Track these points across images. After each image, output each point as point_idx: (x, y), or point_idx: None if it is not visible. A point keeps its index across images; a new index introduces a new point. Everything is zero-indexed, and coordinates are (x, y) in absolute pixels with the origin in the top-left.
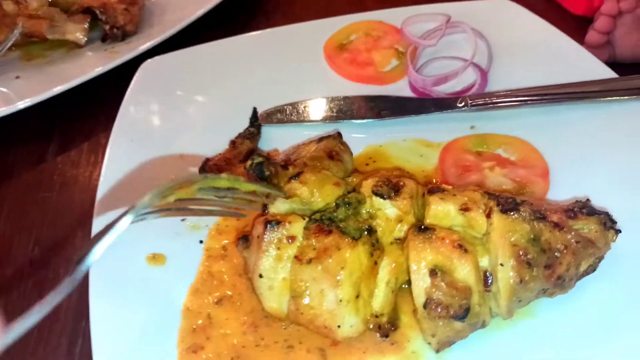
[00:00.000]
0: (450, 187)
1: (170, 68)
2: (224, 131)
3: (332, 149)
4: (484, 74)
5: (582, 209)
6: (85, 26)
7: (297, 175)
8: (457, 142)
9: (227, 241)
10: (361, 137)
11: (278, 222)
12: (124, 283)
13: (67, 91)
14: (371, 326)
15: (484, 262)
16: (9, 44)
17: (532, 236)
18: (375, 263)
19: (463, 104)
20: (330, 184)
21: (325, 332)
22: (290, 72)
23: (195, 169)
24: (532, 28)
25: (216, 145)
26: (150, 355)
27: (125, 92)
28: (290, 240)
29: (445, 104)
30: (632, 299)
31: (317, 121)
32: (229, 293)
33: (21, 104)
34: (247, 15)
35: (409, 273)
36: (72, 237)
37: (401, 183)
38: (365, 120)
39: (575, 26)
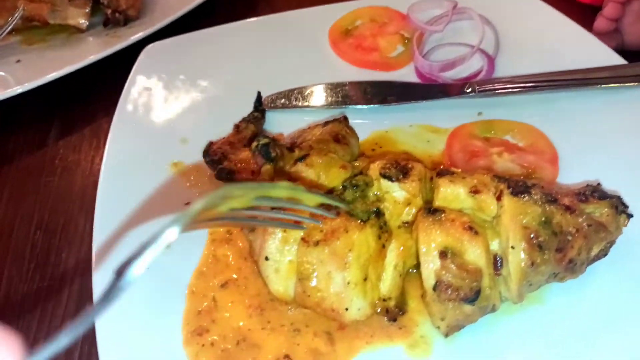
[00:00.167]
0: (459, 170)
1: (173, 52)
2: (227, 115)
3: (339, 133)
4: (491, 60)
5: (594, 192)
6: (87, 11)
7: (303, 158)
8: (464, 128)
9: None
10: (367, 122)
11: None
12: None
13: (69, 76)
14: (379, 310)
15: (494, 245)
16: (9, 28)
17: (543, 219)
18: (383, 246)
19: (470, 89)
20: (336, 167)
21: (332, 315)
22: (295, 57)
23: (199, 153)
24: (539, 15)
25: (220, 129)
26: (155, 338)
27: (127, 77)
28: None
29: (452, 89)
30: None
31: (322, 106)
32: (234, 276)
33: (22, 88)
34: (250, 1)
35: (417, 257)
36: (74, 222)
37: (410, 165)
38: (370, 106)
39: (583, 13)
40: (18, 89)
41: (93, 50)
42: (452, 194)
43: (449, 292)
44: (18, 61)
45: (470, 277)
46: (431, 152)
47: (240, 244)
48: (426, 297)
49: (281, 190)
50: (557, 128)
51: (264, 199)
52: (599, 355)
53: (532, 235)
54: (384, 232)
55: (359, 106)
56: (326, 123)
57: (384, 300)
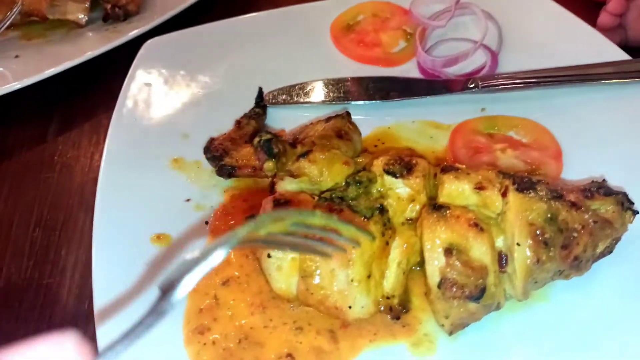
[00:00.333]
0: (463, 166)
1: (173, 48)
2: (228, 111)
3: (341, 129)
4: (494, 55)
5: (599, 188)
6: (86, 5)
7: (305, 154)
8: (467, 124)
9: (233, 222)
10: (369, 118)
11: (287, 201)
12: (129, 263)
13: (68, 71)
14: (382, 308)
15: (499, 242)
16: (8, 23)
17: (549, 215)
18: (387, 243)
19: (473, 85)
20: (339, 163)
21: (335, 313)
22: (296, 53)
23: (200, 149)
24: (542, 10)
25: (221, 125)
26: (156, 336)
27: (127, 73)
28: None
29: (455, 85)
30: None
31: (323, 102)
32: (236, 274)
33: (20, 84)
34: None
35: (420, 254)
36: (73, 218)
37: (413, 161)
38: (372, 102)
39: (587, 9)
40: (16, 85)
41: (92, 45)
42: (456, 190)
43: (454, 290)
44: (17, 56)
45: (475, 275)
46: (434, 148)
47: None
48: (430, 294)
49: (316, 218)
50: (560, 124)
51: (300, 225)
52: (605, 353)
53: (537, 232)
54: (387, 229)
55: (361, 102)
56: (328, 119)
57: (388, 298)
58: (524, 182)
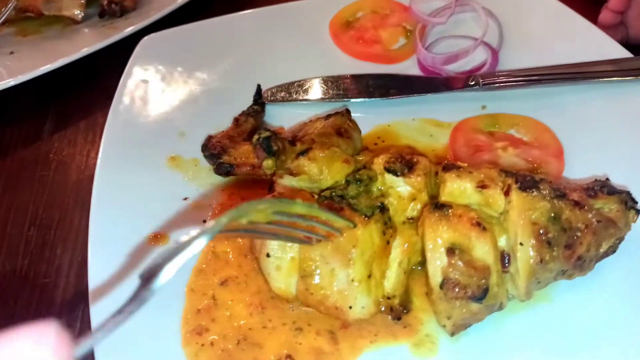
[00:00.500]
0: (465, 164)
1: (171, 44)
2: (226, 109)
3: (341, 126)
4: (494, 53)
5: (602, 187)
6: (83, 1)
7: (305, 152)
8: (468, 122)
9: None
10: (368, 116)
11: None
12: (126, 263)
13: (63, 68)
14: (382, 308)
15: (501, 242)
16: (3, 19)
17: (552, 215)
18: (388, 242)
19: (474, 82)
20: (339, 161)
21: (336, 313)
22: (295, 49)
23: (197, 147)
24: (543, 7)
25: (218, 122)
26: (153, 337)
27: (124, 70)
28: None
29: (455, 83)
30: None
31: (322, 100)
32: (234, 274)
33: (15, 81)
34: None
35: (422, 253)
36: (69, 217)
37: (415, 160)
38: (372, 99)
39: (588, 6)
40: (11, 82)
41: (88, 41)
42: (458, 189)
43: (456, 290)
44: (12, 53)
45: (478, 275)
46: (434, 147)
47: (240, 241)
48: (432, 295)
49: (297, 207)
50: (561, 122)
51: (282, 214)
52: (607, 354)
53: (541, 232)
54: (388, 227)
55: (361, 99)
56: (328, 116)
57: (388, 298)
58: (527, 181)
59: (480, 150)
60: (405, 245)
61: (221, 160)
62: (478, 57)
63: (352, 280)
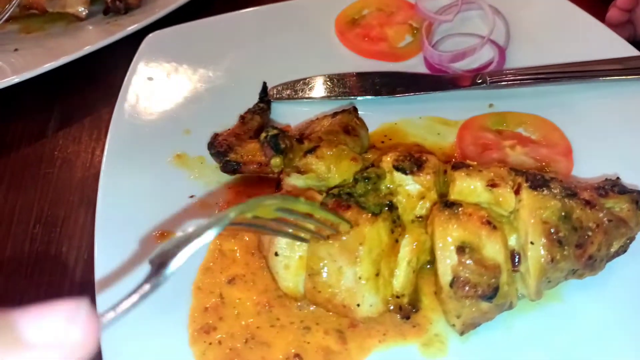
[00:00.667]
0: (474, 163)
1: (176, 41)
2: (232, 106)
3: (348, 124)
4: (501, 51)
5: (613, 187)
6: None
7: (313, 150)
8: (475, 120)
9: None
10: (375, 114)
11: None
12: (132, 261)
13: (68, 65)
14: (391, 307)
15: (511, 241)
16: (6, 16)
17: (563, 214)
18: (397, 241)
19: (481, 81)
20: (347, 159)
21: (343, 311)
22: (300, 47)
23: (203, 145)
24: (550, 5)
25: (224, 120)
26: (160, 336)
27: (128, 67)
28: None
29: (462, 81)
30: None
31: (328, 97)
32: (242, 272)
33: (19, 78)
34: None
35: (431, 252)
36: (74, 214)
37: (424, 158)
38: (379, 97)
39: (595, 4)
40: (15, 79)
41: (93, 39)
42: (468, 187)
43: (467, 289)
44: (16, 50)
45: (488, 274)
46: (442, 145)
47: (247, 238)
48: (441, 293)
49: (299, 204)
50: (570, 120)
51: (285, 211)
52: (618, 354)
53: (552, 231)
54: (397, 226)
55: (367, 97)
56: (335, 114)
57: (397, 297)
58: (537, 180)
59: (488, 148)
60: (414, 244)
61: (228, 158)
62: (485, 55)
63: (360, 278)
